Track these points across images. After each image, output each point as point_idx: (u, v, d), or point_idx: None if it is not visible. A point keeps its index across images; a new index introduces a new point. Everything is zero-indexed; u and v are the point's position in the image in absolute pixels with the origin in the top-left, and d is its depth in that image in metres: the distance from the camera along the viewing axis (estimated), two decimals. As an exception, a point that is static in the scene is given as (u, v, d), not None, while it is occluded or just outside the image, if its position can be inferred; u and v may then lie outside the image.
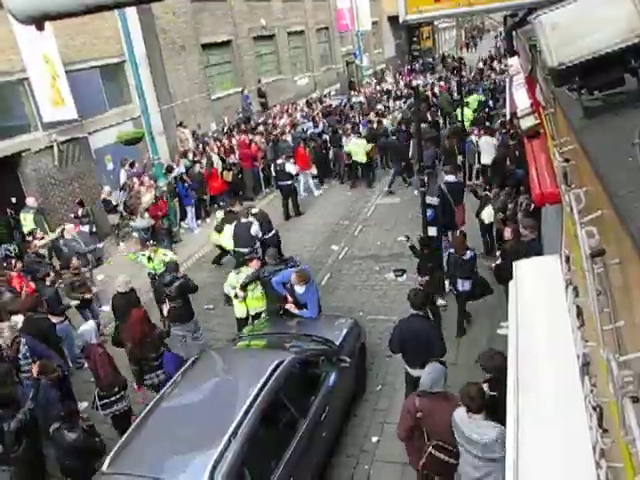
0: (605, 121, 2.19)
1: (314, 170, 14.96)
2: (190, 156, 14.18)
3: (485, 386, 4.36)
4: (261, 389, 4.88)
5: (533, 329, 3.51)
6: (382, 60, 32.91)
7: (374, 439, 6.04)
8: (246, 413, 4.59)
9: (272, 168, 14.42)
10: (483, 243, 9.52)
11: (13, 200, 11.17)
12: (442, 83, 24.01)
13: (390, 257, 10.41)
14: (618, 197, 1.59)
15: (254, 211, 10.09)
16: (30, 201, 10.72)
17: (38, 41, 9.93)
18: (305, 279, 6.98)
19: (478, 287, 7.37)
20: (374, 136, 15.35)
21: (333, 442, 5.86)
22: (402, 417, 4.68)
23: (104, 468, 4.46)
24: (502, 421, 3.47)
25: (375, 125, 16.15)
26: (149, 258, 8.60)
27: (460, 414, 4.19)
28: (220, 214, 10.63)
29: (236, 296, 7.60)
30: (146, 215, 11.31)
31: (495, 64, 30.69)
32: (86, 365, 6.93)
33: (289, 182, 13.22)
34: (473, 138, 13.07)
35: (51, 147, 11.64)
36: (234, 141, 15.64)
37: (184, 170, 13.26)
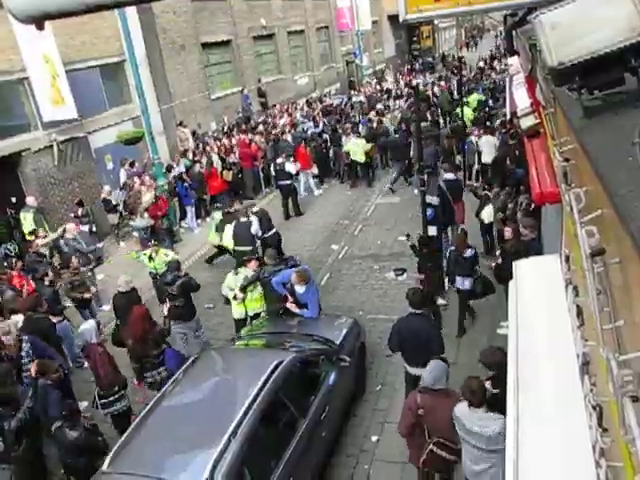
0: (605, 120, 2.18)
1: (315, 170, 14.95)
2: (190, 156, 14.18)
3: (488, 384, 4.36)
4: (261, 388, 4.88)
5: (533, 329, 3.50)
6: (382, 59, 32.89)
7: (374, 439, 6.04)
8: (246, 412, 4.59)
9: (272, 168, 14.42)
10: (483, 243, 9.51)
11: (13, 199, 11.18)
12: (442, 82, 23.99)
13: (390, 256, 10.41)
14: (618, 196, 1.59)
15: (254, 209, 10.08)
16: (30, 200, 10.71)
17: (38, 40, 9.93)
18: (305, 279, 6.98)
19: (481, 286, 7.36)
20: (374, 136, 15.34)
21: (333, 442, 5.86)
22: (403, 414, 4.68)
23: (104, 467, 4.47)
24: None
25: (375, 124, 16.15)
26: (150, 257, 8.62)
27: (461, 408, 4.20)
28: (218, 215, 10.61)
29: (235, 297, 7.56)
30: (145, 215, 11.31)
31: (495, 63, 30.71)
32: (86, 364, 6.95)
33: (289, 182, 13.22)
34: (473, 139, 13.06)
35: (51, 147, 11.64)
36: (234, 141, 15.64)
37: (184, 170, 13.26)
